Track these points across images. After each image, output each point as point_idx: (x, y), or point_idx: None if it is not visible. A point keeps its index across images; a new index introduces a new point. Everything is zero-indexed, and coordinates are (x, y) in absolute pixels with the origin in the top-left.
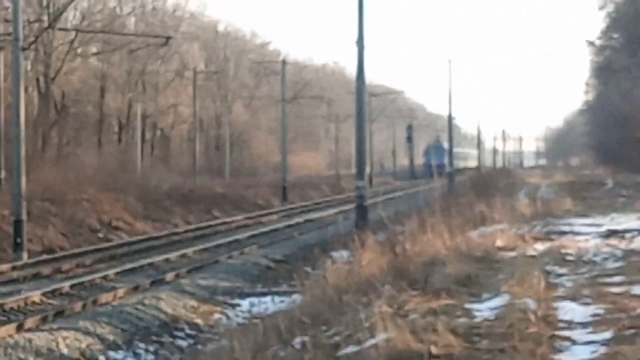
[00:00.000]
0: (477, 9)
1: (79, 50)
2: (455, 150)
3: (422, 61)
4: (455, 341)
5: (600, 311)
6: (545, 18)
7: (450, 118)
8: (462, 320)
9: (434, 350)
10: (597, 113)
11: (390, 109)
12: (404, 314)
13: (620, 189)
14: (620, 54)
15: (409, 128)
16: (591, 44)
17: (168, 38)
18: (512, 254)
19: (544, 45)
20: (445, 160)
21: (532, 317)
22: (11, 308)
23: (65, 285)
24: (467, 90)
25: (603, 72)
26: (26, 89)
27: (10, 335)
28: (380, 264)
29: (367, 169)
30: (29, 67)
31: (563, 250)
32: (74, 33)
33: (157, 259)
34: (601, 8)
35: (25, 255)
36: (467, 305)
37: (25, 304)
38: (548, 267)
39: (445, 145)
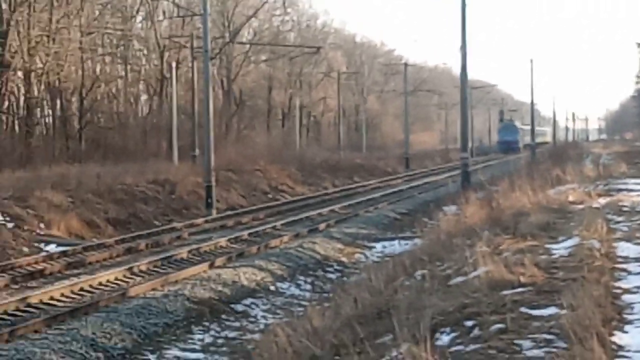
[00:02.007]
0: (556, 13)
1: (252, 59)
2: (544, 129)
3: (511, 58)
4: (538, 272)
5: None
6: (607, 23)
7: (532, 104)
8: (543, 257)
9: (522, 279)
10: None
11: (486, 99)
12: (499, 252)
13: None
14: None
15: (501, 112)
16: (639, 44)
17: (319, 48)
18: (581, 206)
19: (606, 44)
20: (518, 137)
21: (596, 254)
22: (205, 251)
23: (245, 233)
24: (546, 80)
25: None
26: (213, 88)
27: (204, 271)
28: (480, 215)
29: (469, 144)
30: (215, 72)
31: (620, 203)
32: (248, 46)
33: (312, 213)
34: None
35: (214, 211)
36: (547, 246)
37: (215, 247)
38: (609, 216)
39: (517, 123)
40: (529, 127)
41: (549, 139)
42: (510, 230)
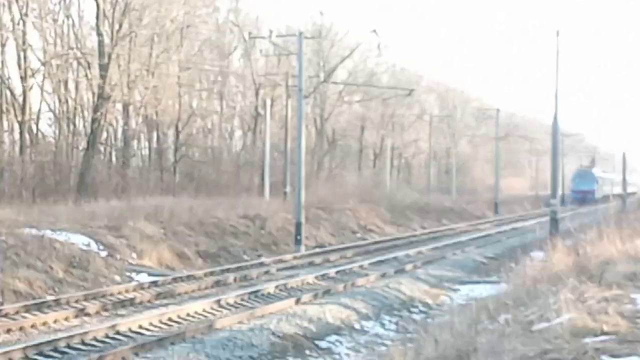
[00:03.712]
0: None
1: (346, 99)
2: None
3: (603, 109)
4: (622, 322)
5: None
6: None
7: (624, 155)
8: (628, 306)
9: (605, 327)
10: None
11: (577, 147)
12: (583, 300)
13: None
14: None
15: (592, 161)
16: None
17: (411, 90)
18: None
19: None
20: (594, 186)
21: None
22: (292, 287)
23: (332, 271)
24: (637, 129)
25: None
26: (306, 126)
27: (290, 307)
28: (566, 262)
29: (559, 191)
30: (308, 111)
31: None
32: (342, 86)
33: (400, 254)
34: None
35: (303, 248)
36: (633, 295)
37: (302, 284)
38: None
39: (595, 171)
40: (608, 176)
41: (635, 189)
42: (596, 278)
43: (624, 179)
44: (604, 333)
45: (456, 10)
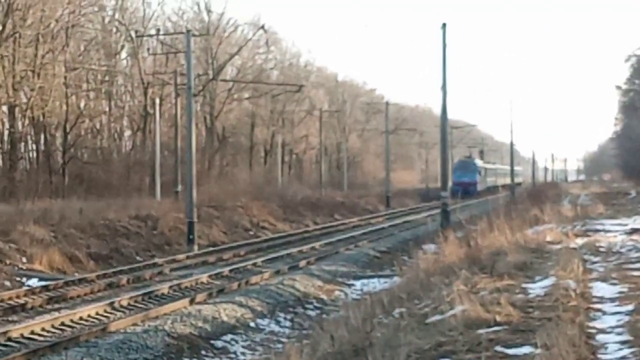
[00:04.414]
0: (535, 58)
1: (235, 96)
2: (506, 167)
3: (491, 99)
4: (514, 312)
5: (625, 289)
6: (585, 67)
7: (512, 145)
8: (520, 296)
9: (498, 318)
10: (623, 140)
11: (467, 139)
12: (476, 291)
13: None
14: None
15: (481, 153)
16: (618, 87)
17: (301, 86)
18: (558, 246)
19: (584, 87)
20: (476, 178)
21: (572, 294)
22: (186, 287)
23: (226, 269)
24: (525, 121)
25: (628, 109)
26: (196, 125)
27: (185, 307)
28: (458, 254)
29: (449, 184)
30: (198, 109)
31: (597, 244)
32: (231, 83)
33: (293, 250)
34: (626, 60)
35: (196, 247)
36: (524, 285)
37: (196, 283)
38: (585, 257)
39: (477, 161)
40: (493, 166)
41: (520, 179)
42: (488, 269)
43: (512, 170)
44: (497, 324)
45: (345, 3)
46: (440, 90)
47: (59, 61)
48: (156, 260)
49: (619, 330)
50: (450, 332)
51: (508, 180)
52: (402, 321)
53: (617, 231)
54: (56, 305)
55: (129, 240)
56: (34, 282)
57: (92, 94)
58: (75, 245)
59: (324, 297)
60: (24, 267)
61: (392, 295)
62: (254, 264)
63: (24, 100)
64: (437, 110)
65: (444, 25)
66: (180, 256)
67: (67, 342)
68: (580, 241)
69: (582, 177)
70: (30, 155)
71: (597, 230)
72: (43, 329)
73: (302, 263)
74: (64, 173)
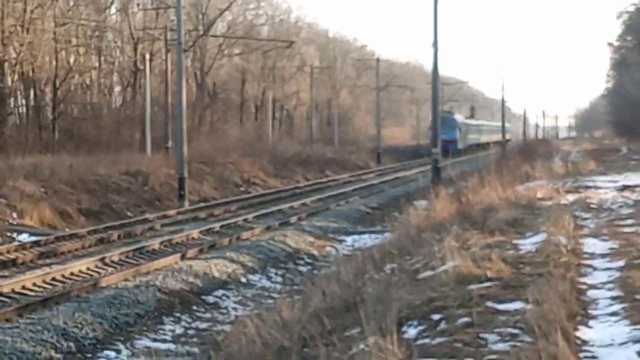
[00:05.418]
0: (528, 11)
1: (226, 52)
2: (497, 124)
3: (483, 56)
4: (505, 267)
5: (616, 246)
6: (577, 24)
7: (503, 101)
8: (511, 252)
9: (489, 274)
10: (615, 97)
11: (457, 95)
12: (467, 247)
13: (632, 155)
14: (633, 52)
15: (472, 109)
16: (610, 44)
17: (291, 42)
18: (549, 202)
19: (577, 43)
20: (456, 135)
21: (563, 250)
22: (177, 242)
23: (216, 225)
24: (517, 78)
25: (619, 66)
26: (187, 81)
27: (176, 262)
28: (449, 210)
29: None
30: (188, 65)
31: (588, 200)
32: (222, 39)
33: (284, 206)
34: (618, 17)
35: (186, 203)
36: (515, 241)
37: (187, 239)
38: (576, 213)
39: (457, 117)
40: (476, 122)
41: (510, 136)
42: (479, 225)
43: (503, 126)
44: (488, 279)
45: None
46: (432, 47)
47: (48, 16)
48: (147, 215)
49: (610, 286)
50: (442, 288)
51: (493, 138)
52: (394, 277)
53: (608, 188)
54: (47, 261)
55: (120, 195)
56: (24, 237)
57: (81, 49)
58: (65, 200)
59: (315, 252)
60: (15, 223)
61: (383, 251)
62: (245, 220)
63: (13, 55)
64: (428, 67)
65: None
66: (171, 212)
67: (59, 298)
68: (571, 197)
69: (573, 134)
70: (20, 110)
71: (588, 187)
72: (34, 284)
73: (293, 219)
74: (53, 128)
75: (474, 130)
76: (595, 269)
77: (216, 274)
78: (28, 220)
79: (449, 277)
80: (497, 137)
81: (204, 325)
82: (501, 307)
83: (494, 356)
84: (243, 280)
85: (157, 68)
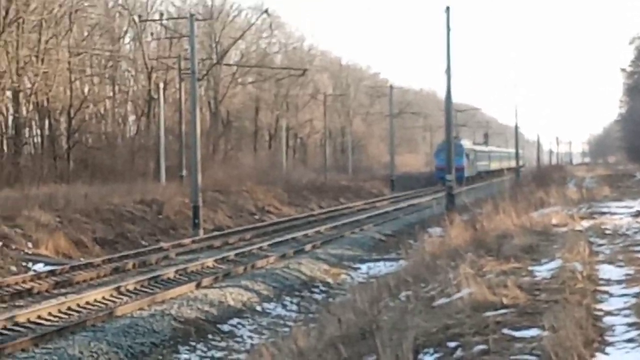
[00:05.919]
0: (540, 41)
1: (239, 80)
2: (508, 150)
3: (496, 82)
4: (521, 294)
5: (631, 272)
6: (590, 50)
7: (516, 127)
8: (526, 278)
9: (505, 301)
10: (628, 122)
11: (471, 122)
12: (482, 274)
13: None
14: None
15: (485, 135)
16: (623, 70)
17: (305, 70)
18: (564, 229)
19: (590, 69)
20: (462, 162)
21: (579, 276)
22: (192, 271)
23: (231, 254)
24: (530, 104)
25: (632, 91)
26: (200, 109)
27: (191, 291)
28: (464, 237)
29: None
30: (202, 93)
31: (603, 226)
32: (235, 67)
33: (298, 234)
34: (630, 43)
35: (201, 232)
36: (530, 268)
37: (202, 267)
38: (591, 239)
39: (464, 142)
40: (485, 148)
41: (523, 162)
42: (494, 252)
43: (517, 153)
44: (504, 306)
45: None
46: (445, 74)
47: (63, 46)
48: (162, 244)
49: (626, 312)
50: (457, 315)
51: (505, 165)
52: (409, 304)
53: (622, 213)
54: (62, 290)
55: (135, 224)
56: (39, 267)
57: (95, 79)
58: (80, 230)
59: (330, 280)
60: (30, 252)
61: (399, 279)
62: (260, 248)
63: (28, 85)
64: (441, 94)
65: (448, 8)
66: (186, 240)
67: (74, 327)
68: (586, 224)
69: (587, 159)
70: (35, 140)
71: (603, 213)
72: (49, 314)
73: (308, 247)
74: (68, 158)
75: (483, 157)
76: (611, 295)
77: (231, 303)
78: (43, 249)
79: (465, 304)
80: (508, 163)
81: (219, 354)
82: (517, 334)
83: None
84: (258, 308)
85: (171, 97)
